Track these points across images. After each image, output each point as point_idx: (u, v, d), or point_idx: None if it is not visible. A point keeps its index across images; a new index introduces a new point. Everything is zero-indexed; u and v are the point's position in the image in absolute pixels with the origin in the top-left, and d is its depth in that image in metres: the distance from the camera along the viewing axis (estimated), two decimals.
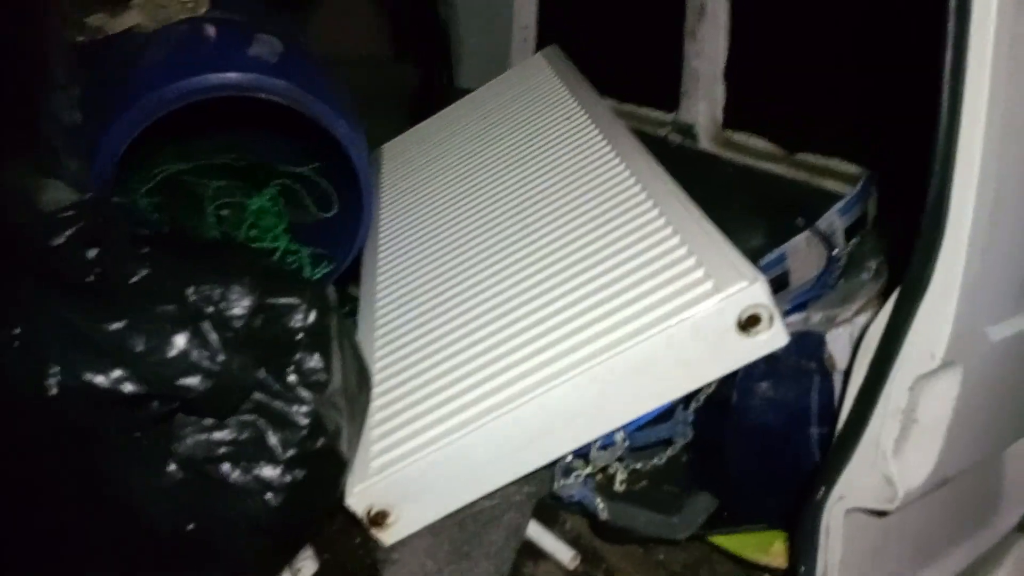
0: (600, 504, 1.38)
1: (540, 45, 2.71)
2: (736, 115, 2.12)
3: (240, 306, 0.97)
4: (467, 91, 2.61)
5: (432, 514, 1.32)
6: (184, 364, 0.86)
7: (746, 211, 2.13)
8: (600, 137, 1.84)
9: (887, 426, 1.04)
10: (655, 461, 1.45)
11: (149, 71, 1.53)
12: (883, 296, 1.23)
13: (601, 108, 2.00)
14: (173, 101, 1.45)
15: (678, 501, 1.43)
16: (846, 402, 1.10)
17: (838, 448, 1.09)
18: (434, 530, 1.35)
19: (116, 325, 0.85)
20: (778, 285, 2.00)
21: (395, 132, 2.60)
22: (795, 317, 1.33)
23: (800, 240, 1.93)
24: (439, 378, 1.40)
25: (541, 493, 1.44)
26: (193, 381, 0.86)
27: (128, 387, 0.83)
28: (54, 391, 0.81)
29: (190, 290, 0.94)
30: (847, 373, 1.13)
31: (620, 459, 1.43)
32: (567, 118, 2.03)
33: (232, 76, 1.51)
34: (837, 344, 1.20)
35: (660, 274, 1.32)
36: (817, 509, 1.12)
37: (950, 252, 0.94)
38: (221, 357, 0.88)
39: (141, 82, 1.49)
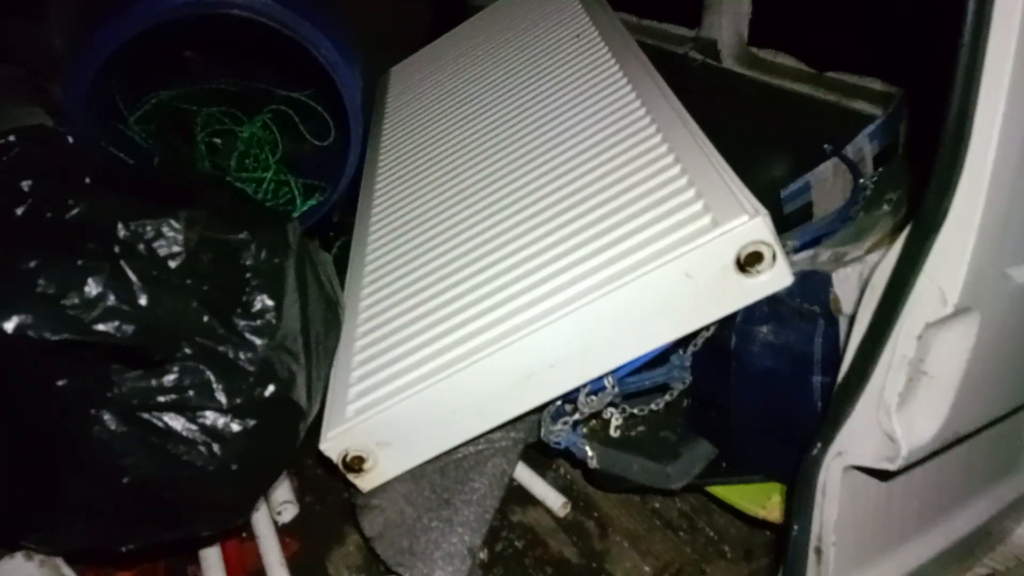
0: (589, 452, 1.31)
1: None
2: (763, 30, 1.94)
3: (176, 243, 0.90)
4: (480, 7, 2.47)
5: (410, 461, 1.27)
6: (100, 308, 0.79)
7: (771, 135, 1.99)
8: (609, 56, 1.70)
9: (892, 378, 0.93)
10: (652, 406, 1.37)
11: None
12: (898, 232, 1.10)
13: (613, 25, 1.84)
14: (141, 22, 1.36)
15: (675, 449, 1.34)
16: (849, 347, 0.99)
17: (837, 400, 0.99)
18: (415, 476, 1.30)
19: (28, 264, 0.78)
20: (801, 216, 1.86)
21: (411, 53, 2.49)
22: (803, 255, 1.21)
23: (826, 168, 1.78)
24: (421, 318, 1.32)
25: (529, 439, 1.37)
26: (110, 327, 0.79)
27: (36, 332, 0.77)
28: None
29: (120, 226, 0.87)
30: (854, 317, 1.02)
31: (614, 404, 1.34)
32: (577, 35, 1.88)
33: None
34: (844, 286, 1.09)
35: (656, 207, 1.20)
36: (813, 465, 1.03)
37: (970, 184, 0.81)
38: (143, 300, 0.81)
39: (112, 4, 1.40)
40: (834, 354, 1.11)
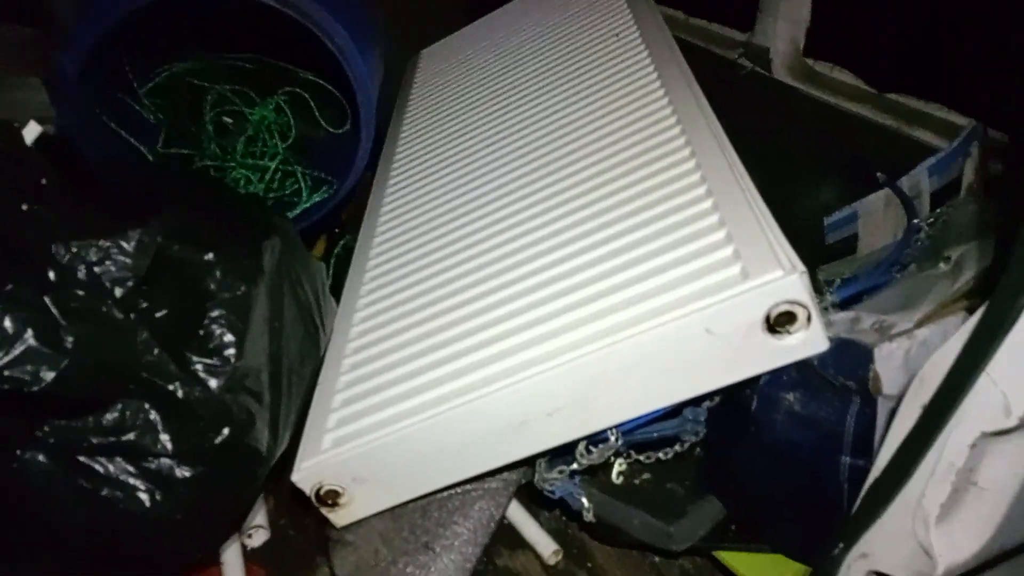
0: (586, 504, 1.20)
1: None
2: (821, 41, 1.77)
3: (125, 268, 0.79)
4: None
5: (389, 500, 1.16)
6: (16, 350, 0.69)
7: (821, 156, 1.83)
8: (649, 63, 1.55)
9: (935, 486, 0.80)
10: (660, 455, 1.24)
11: None
12: (960, 302, 0.96)
13: (657, 27, 1.69)
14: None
15: (681, 505, 1.23)
16: (887, 443, 0.86)
17: (869, 499, 0.86)
18: (394, 514, 1.20)
19: None
20: (845, 248, 1.71)
21: (444, 33, 2.36)
22: (843, 315, 1.07)
23: (878, 198, 1.63)
24: (416, 341, 1.21)
25: (522, 480, 1.26)
26: (24, 372, 0.70)
27: None
28: None
29: (62, 248, 0.77)
30: (897, 401, 0.88)
31: (619, 453, 1.23)
32: (616, 34, 1.74)
33: None
34: (888, 363, 0.95)
35: (681, 246, 1.07)
36: (832, 567, 0.90)
37: None
38: (69, 342, 0.71)
39: None
40: (868, 436, 0.97)
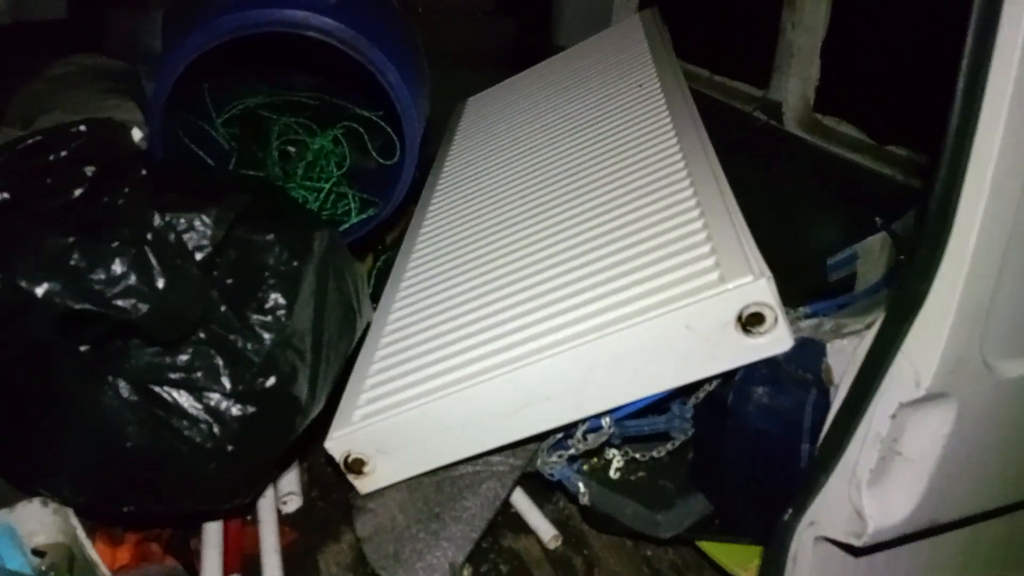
0: (582, 488, 1.34)
1: (644, 5, 2.59)
2: (829, 97, 1.94)
3: (204, 237, 0.99)
4: (563, 48, 2.56)
5: (408, 470, 1.32)
6: (121, 286, 0.89)
7: (826, 201, 1.98)
8: (664, 109, 1.74)
9: (864, 454, 0.93)
10: (654, 453, 1.38)
11: (208, 4, 1.57)
12: None
13: (676, 79, 1.88)
14: (221, 34, 1.49)
15: (671, 499, 1.35)
16: (828, 420, 0.99)
17: (812, 470, 0.99)
18: (411, 486, 1.35)
19: (67, 240, 0.89)
20: (844, 287, 1.84)
21: (490, 84, 2.60)
22: (809, 322, 1.21)
23: (875, 240, 1.77)
24: (439, 336, 1.39)
25: (528, 467, 1.40)
26: (127, 303, 0.88)
27: (62, 299, 0.87)
28: None
29: (157, 216, 0.97)
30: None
31: (617, 446, 1.37)
32: (640, 84, 1.93)
33: (284, 13, 1.53)
34: (839, 357, 1.08)
35: (672, 257, 1.24)
36: (786, 532, 1.03)
37: (950, 267, 0.81)
38: (161, 284, 0.90)
39: (198, 15, 1.54)
40: (824, 423, 1.10)
